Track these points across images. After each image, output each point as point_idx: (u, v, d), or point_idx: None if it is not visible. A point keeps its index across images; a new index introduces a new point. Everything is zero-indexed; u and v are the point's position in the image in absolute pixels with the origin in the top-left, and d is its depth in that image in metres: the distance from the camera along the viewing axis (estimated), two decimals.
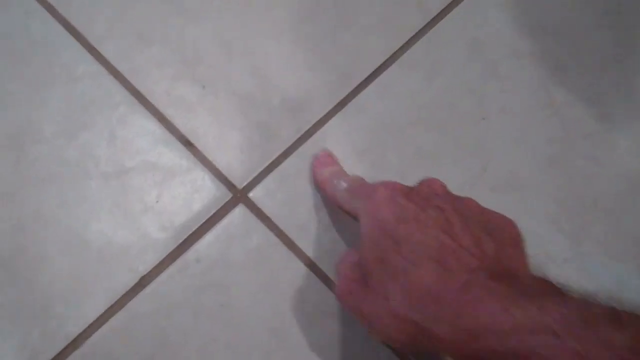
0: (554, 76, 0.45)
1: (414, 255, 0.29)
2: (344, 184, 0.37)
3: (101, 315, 0.39)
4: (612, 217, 0.42)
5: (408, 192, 0.32)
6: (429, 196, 0.32)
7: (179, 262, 0.40)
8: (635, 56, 0.46)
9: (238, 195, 0.41)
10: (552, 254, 0.41)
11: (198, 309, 0.39)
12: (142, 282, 0.39)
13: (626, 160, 0.43)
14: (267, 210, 0.41)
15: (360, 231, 0.33)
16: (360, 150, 0.43)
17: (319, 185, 0.40)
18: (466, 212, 0.31)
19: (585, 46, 0.46)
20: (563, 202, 0.42)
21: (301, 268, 0.40)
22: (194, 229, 0.41)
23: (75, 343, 0.38)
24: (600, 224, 0.42)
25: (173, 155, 0.42)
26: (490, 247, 0.29)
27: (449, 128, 0.43)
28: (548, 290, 0.28)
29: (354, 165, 0.42)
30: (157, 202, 0.41)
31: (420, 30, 0.45)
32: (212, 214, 0.41)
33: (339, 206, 0.38)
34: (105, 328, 0.38)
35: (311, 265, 0.40)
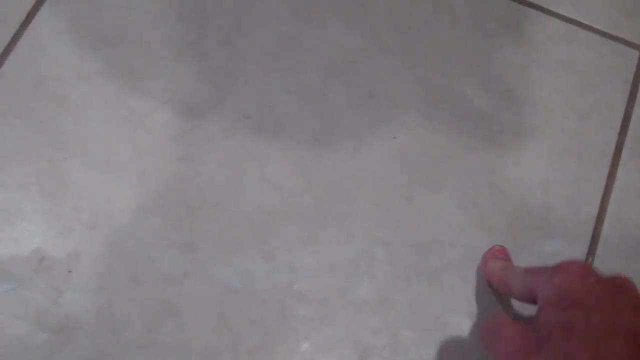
0: (127, 86, 0.42)
1: (607, 327, 0.29)
2: (519, 269, 0.37)
3: None
4: (220, 209, 0.40)
5: (599, 275, 0.33)
6: (618, 283, 0.33)
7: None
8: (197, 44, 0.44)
9: None
10: (169, 272, 0.39)
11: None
12: None
13: (225, 143, 0.42)
14: None
15: (541, 300, 0.33)
16: None
17: (487, 274, 0.40)
18: None
19: (149, 49, 0.43)
20: (162, 215, 0.40)
21: None
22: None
23: None
24: (209, 222, 0.40)
25: None
26: None
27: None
28: None
29: None
30: None
31: None
32: None
33: (506, 290, 0.38)
34: None
35: None
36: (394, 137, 0.43)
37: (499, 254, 0.41)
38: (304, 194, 0.42)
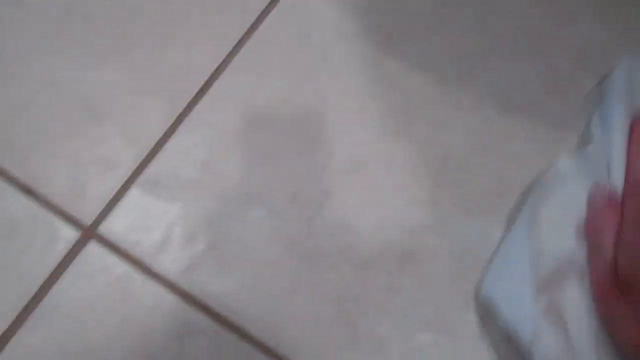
0: (383, 49, 0.45)
1: None
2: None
3: None
4: (465, 175, 0.42)
5: None
6: None
7: (38, 312, 0.39)
8: (451, 17, 0.46)
9: (87, 233, 0.40)
10: (411, 224, 0.41)
11: (64, 356, 0.38)
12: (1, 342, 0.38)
13: (469, 116, 0.43)
14: (120, 241, 0.40)
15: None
16: (205, 163, 0.42)
17: None
18: None
19: (407, 16, 0.46)
20: (414, 170, 0.42)
21: (161, 291, 0.39)
22: (46, 276, 0.39)
23: None
24: (454, 184, 0.41)
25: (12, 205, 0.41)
26: None
27: (285, 124, 0.43)
28: None
29: (199, 179, 0.42)
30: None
31: (245, 33, 0.45)
32: (62, 256, 0.40)
33: None
34: None
35: (170, 286, 0.39)
36: None
37: None
38: None
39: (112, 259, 0.40)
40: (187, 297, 0.39)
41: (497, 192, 0.41)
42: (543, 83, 0.45)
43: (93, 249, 0.40)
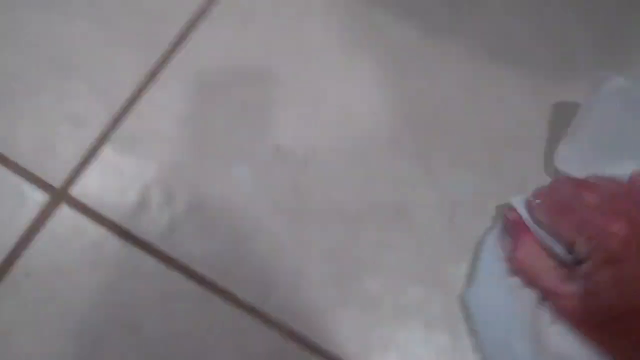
0: (371, 1, 0.43)
1: None
2: None
3: None
4: (454, 126, 0.40)
5: None
6: None
7: (7, 281, 0.36)
8: None
9: (58, 195, 0.38)
10: (400, 177, 0.39)
11: (38, 325, 0.35)
12: None
13: (459, 67, 0.42)
14: (93, 203, 0.38)
15: None
16: (184, 118, 0.40)
17: None
18: None
19: None
20: (402, 123, 0.40)
21: (140, 255, 0.37)
22: (15, 242, 0.37)
23: None
24: (444, 135, 0.40)
25: None
26: None
27: (273, 75, 0.41)
28: None
29: (177, 135, 0.40)
30: None
31: None
32: (32, 221, 0.37)
33: None
34: None
35: (150, 249, 0.37)
36: None
37: None
38: (536, 123, 0.41)
39: (86, 223, 0.38)
40: (169, 261, 0.37)
41: (487, 143, 0.40)
42: (533, 34, 0.43)
43: (65, 212, 0.38)
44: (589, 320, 0.31)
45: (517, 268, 0.34)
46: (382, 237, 0.38)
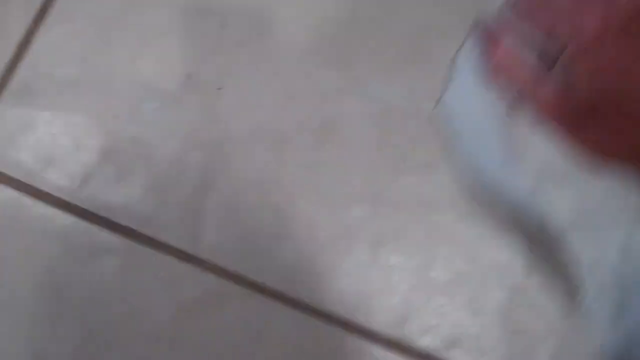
0: None
1: None
2: None
3: None
4: (377, 25, 0.36)
5: None
6: None
7: None
8: None
9: None
10: (324, 89, 0.36)
11: None
12: None
13: None
14: None
15: None
16: (82, 58, 0.36)
17: None
18: None
19: None
20: (319, 27, 0.36)
21: (54, 212, 0.34)
22: None
23: None
24: (367, 37, 0.36)
25: None
26: None
27: None
28: None
29: (79, 77, 0.36)
30: None
31: None
32: None
33: None
34: None
35: (64, 205, 0.34)
36: None
37: None
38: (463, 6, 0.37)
39: None
40: (87, 215, 0.34)
41: (416, 42, 0.36)
42: None
43: None
44: (568, 116, 0.29)
45: (494, 71, 0.31)
46: (312, 157, 0.35)
